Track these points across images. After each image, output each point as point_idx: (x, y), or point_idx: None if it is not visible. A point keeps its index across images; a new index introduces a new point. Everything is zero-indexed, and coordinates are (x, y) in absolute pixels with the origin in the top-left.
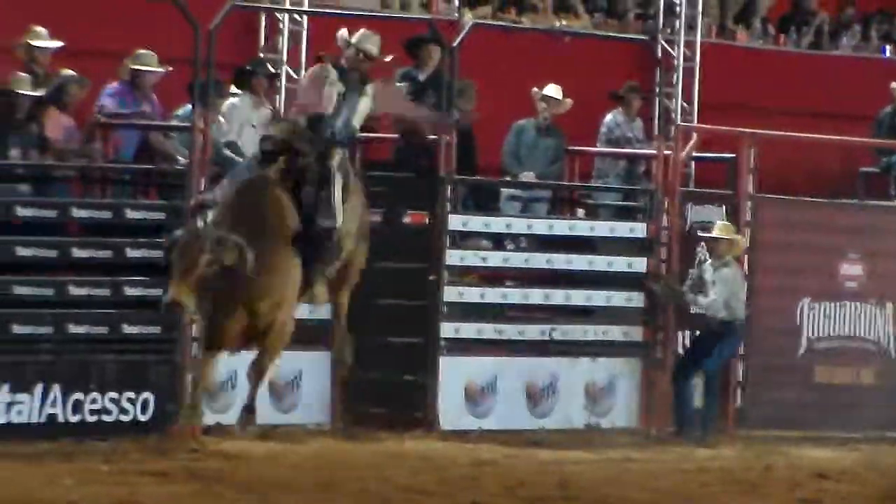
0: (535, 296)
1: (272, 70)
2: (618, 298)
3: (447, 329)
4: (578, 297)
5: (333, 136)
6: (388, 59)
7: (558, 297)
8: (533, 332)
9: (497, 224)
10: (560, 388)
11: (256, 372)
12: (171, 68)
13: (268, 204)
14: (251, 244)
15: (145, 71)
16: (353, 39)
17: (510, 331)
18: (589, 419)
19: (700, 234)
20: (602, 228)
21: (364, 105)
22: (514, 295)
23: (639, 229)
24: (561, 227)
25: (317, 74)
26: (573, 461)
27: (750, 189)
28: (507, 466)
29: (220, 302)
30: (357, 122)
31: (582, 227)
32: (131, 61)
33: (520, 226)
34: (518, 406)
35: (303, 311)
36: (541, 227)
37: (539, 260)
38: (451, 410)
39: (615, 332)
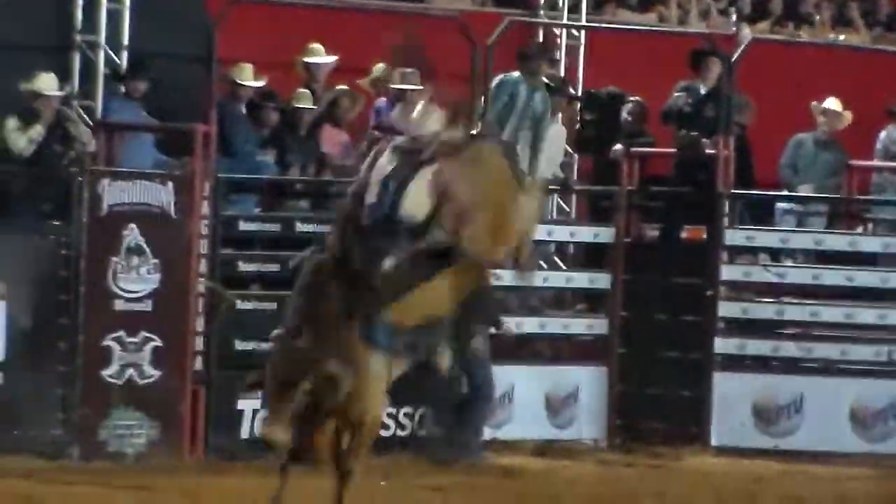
0: (866, 315)
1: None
2: None
3: (725, 345)
4: None
5: None
6: None
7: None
8: (861, 352)
9: (800, 239)
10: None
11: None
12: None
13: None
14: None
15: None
16: None
17: (820, 350)
18: None
19: None
20: None
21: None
22: (832, 313)
23: None
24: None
25: None
26: (851, 478)
27: None
28: (785, 483)
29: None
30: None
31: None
32: (384, 76)
33: (800, 241)
34: (833, 427)
35: (580, 327)
36: (839, 242)
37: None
38: (733, 427)
39: None
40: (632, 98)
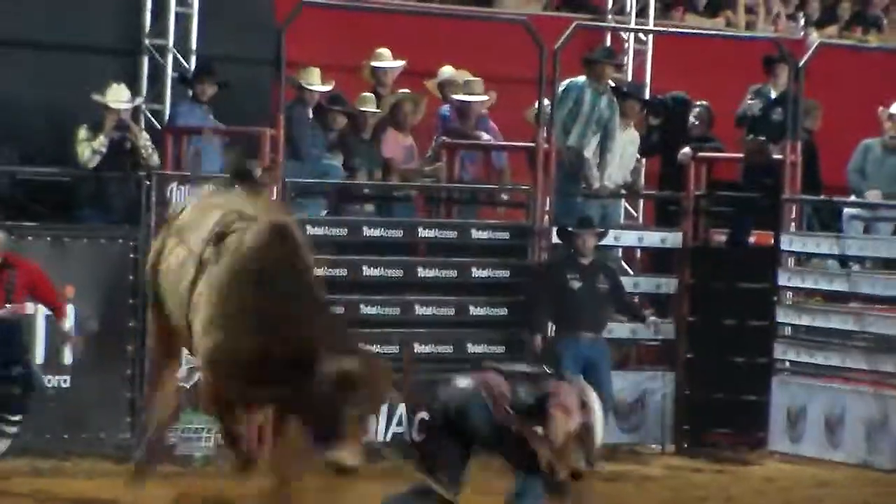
0: None
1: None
2: None
3: (783, 351)
4: None
5: None
6: None
7: None
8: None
9: (861, 246)
10: None
11: None
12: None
13: None
14: None
15: (469, 101)
16: None
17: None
18: None
19: None
20: None
21: None
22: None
23: None
24: None
25: None
26: None
27: None
28: (850, 487)
29: None
30: None
31: None
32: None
33: (860, 247)
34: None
35: (647, 332)
36: None
37: None
38: (796, 433)
39: None
40: (699, 102)
